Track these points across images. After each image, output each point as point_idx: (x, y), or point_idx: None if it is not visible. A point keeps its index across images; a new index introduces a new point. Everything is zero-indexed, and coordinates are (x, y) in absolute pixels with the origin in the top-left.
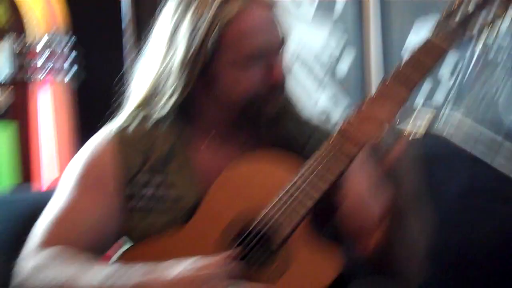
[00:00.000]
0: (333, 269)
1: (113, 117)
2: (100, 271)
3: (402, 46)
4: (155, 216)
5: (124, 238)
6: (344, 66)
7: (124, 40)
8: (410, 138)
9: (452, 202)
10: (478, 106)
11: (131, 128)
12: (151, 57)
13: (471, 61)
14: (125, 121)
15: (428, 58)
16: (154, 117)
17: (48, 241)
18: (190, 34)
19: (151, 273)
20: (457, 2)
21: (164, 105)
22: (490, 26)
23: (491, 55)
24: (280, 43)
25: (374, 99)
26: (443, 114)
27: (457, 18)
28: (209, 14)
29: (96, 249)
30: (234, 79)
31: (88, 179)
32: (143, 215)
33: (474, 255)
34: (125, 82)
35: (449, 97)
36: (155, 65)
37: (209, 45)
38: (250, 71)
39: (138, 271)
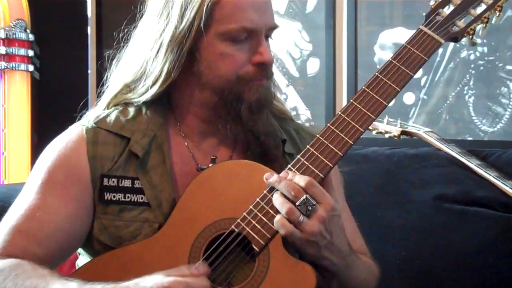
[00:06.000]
0: (310, 283)
1: (78, 111)
2: None
3: (374, 44)
4: (129, 217)
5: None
6: (315, 63)
7: (87, 38)
8: (387, 137)
9: (426, 206)
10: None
11: (110, 119)
12: (141, 37)
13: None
14: (104, 111)
15: (421, 50)
16: (136, 102)
17: (12, 244)
18: (184, 4)
19: None
20: None
21: (150, 87)
22: (480, 18)
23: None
24: (273, 25)
25: (359, 98)
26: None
27: (447, 10)
28: None
29: (63, 251)
30: (222, 54)
31: (59, 174)
32: (117, 213)
33: (450, 260)
34: (87, 77)
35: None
36: (144, 44)
37: (203, 13)
38: (240, 47)
39: None
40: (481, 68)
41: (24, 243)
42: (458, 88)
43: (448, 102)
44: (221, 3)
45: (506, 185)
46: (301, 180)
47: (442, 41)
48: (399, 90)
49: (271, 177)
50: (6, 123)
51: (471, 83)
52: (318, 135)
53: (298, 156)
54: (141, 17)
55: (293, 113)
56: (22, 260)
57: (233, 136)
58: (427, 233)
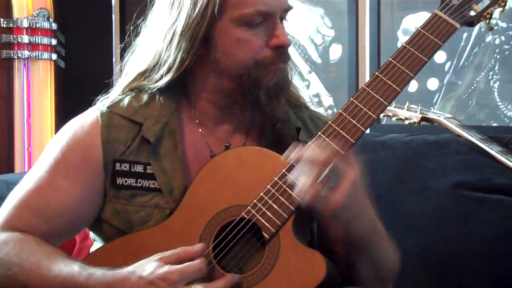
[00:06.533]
0: (320, 271)
1: (102, 95)
2: (59, 273)
3: (397, 29)
4: (140, 202)
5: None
6: (338, 49)
7: (112, 24)
8: (406, 123)
9: (445, 194)
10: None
11: (123, 103)
12: (154, 27)
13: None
14: (118, 96)
15: (436, 35)
16: (150, 89)
17: (19, 218)
18: None
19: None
20: None
21: (164, 74)
22: (497, 2)
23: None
24: (288, 6)
25: (370, 85)
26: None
27: None
28: None
29: (68, 231)
30: (239, 40)
31: (73, 156)
32: (128, 198)
33: (469, 248)
34: (112, 65)
35: (444, 84)
36: (157, 33)
37: (216, 1)
38: (256, 32)
39: (99, 282)
40: (506, 52)
41: (31, 219)
42: (483, 73)
43: (473, 87)
44: None
45: None
46: (326, 150)
47: (458, 25)
48: (413, 76)
49: (297, 147)
50: (30, 112)
51: (496, 68)
52: (330, 122)
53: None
54: (152, 6)
55: (315, 99)
56: (27, 235)
57: (249, 123)
58: (445, 221)
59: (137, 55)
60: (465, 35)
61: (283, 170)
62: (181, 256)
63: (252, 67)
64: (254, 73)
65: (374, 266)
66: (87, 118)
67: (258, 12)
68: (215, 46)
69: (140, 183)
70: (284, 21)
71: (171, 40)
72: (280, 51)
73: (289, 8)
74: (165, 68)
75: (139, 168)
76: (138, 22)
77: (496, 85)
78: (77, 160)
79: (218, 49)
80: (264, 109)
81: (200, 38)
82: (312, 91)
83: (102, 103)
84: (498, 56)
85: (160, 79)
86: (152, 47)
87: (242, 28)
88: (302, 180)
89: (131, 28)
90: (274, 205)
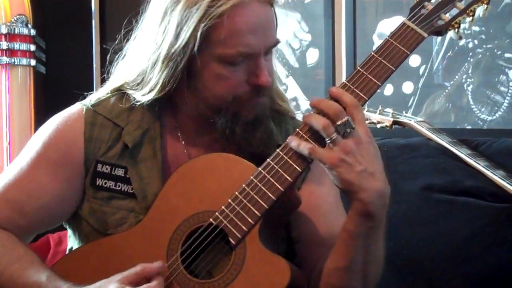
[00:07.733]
0: (284, 277)
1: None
2: (27, 280)
3: (373, 33)
4: (116, 205)
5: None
6: (314, 53)
7: (92, 29)
8: (379, 127)
9: (415, 197)
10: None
11: (108, 103)
12: (142, 41)
13: (440, 52)
14: (103, 96)
15: (403, 44)
16: (134, 99)
17: None
18: (180, 23)
19: None
20: None
21: (146, 93)
22: (465, 11)
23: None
24: (273, 44)
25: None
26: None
27: (432, 2)
28: (203, 3)
29: (45, 225)
30: (219, 75)
31: (54, 151)
32: (106, 199)
33: (439, 250)
34: (92, 69)
35: (418, 88)
36: (144, 51)
37: (198, 37)
38: (236, 69)
39: None
40: (480, 56)
41: (9, 213)
42: (456, 77)
43: (447, 91)
44: (217, 27)
45: (495, 175)
46: (348, 97)
47: (425, 35)
48: (380, 84)
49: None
50: (10, 118)
51: (470, 71)
52: (298, 130)
53: (268, 160)
54: (143, 14)
55: (293, 103)
56: (3, 233)
57: (229, 136)
58: (415, 223)
59: (126, 63)
60: (439, 39)
61: (252, 177)
62: (140, 274)
63: (230, 102)
64: (232, 108)
65: (368, 262)
66: (71, 113)
67: (239, 53)
68: (195, 76)
69: (119, 186)
70: (270, 53)
71: (154, 63)
72: (260, 88)
73: (275, 44)
74: (147, 88)
75: (119, 172)
76: (124, 30)
77: (469, 88)
78: (58, 156)
79: (199, 79)
80: (239, 142)
81: (181, 69)
82: (290, 95)
83: (89, 99)
84: (471, 60)
85: (143, 95)
86: (138, 64)
87: (223, 64)
88: (314, 123)
89: (122, 33)
90: (241, 212)
